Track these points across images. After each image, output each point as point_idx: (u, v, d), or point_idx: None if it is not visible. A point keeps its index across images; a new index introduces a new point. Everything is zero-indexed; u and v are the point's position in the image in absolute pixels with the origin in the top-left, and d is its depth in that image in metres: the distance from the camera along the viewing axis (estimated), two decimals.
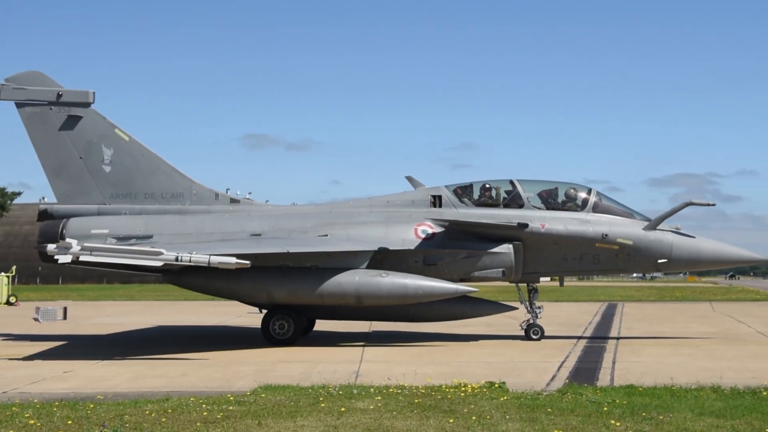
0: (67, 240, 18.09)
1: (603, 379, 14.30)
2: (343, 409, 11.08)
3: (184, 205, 22.10)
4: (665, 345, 20.04)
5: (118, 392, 12.92)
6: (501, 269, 20.42)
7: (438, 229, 20.74)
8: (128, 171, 22.04)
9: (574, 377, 14.41)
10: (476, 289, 20.32)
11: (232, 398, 11.97)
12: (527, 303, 21.43)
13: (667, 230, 20.67)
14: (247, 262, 17.96)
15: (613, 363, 16.58)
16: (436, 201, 21.63)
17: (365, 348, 19.75)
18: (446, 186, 21.91)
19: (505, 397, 11.91)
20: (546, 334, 21.14)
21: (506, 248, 20.30)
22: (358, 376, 14.73)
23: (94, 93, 22.07)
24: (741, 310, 34.74)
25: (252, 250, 18.97)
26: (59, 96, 21.76)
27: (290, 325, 20.55)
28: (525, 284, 21.47)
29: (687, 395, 12.07)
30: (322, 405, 11.40)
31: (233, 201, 22.38)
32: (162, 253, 17.90)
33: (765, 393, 12.11)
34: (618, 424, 10.05)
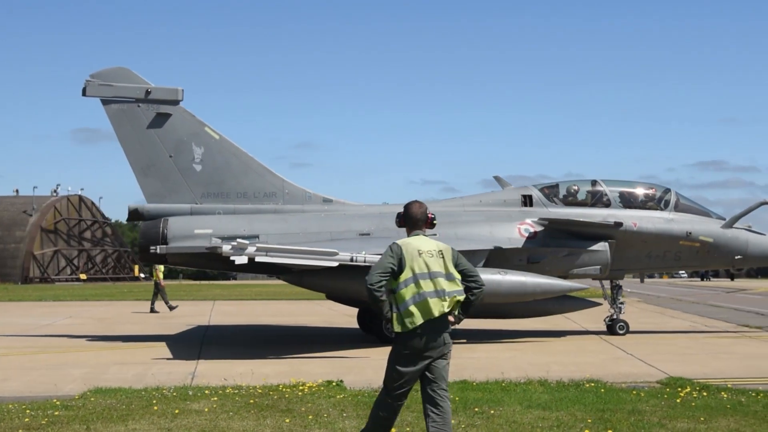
0: (239, 241, 17.48)
1: None
2: (177, 411, 10.80)
3: (277, 204, 21.76)
4: (499, 341, 20.74)
5: None
6: (598, 266, 20.94)
7: (538, 228, 21.05)
8: (219, 170, 21.61)
9: None
10: (587, 287, 21.01)
11: (58, 403, 11.40)
12: (611, 299, 22.06)
13: (741, 228, 21.68)
14: None
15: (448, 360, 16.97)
16: (527, 200, 21.93)
17: (202, 347, 19.39)
18: (534, 186, 22.34)
19: (343, 395, 11.98)
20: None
21: (603, 246, 20.82)
22: (194, 377, 14.41)
23: (182, 90, 21.58)
24: None
25: None
26: (148, 93, 21.25)
27: None
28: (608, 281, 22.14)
29: (516, 389, 12.54)
30: (156, 407, 11.07)
31: (326, 200, 22.13)
32: (337, 254, 17.71)
33: (587, 385, 12.77)
34: (452, 419, 10.28)
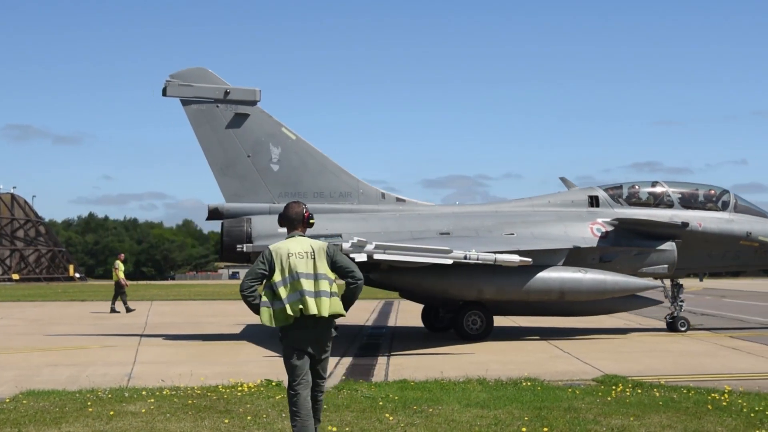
0: (356, 239, 17.62)
1: (378, 375, 14.65)
2: (112, 413, 10.61)
3: (352, 204, 22.13)
4: (437, 340, 20.84)
5: None
6: (666, 265, 21.35)
7: (609, 228, 21.41)
8: (296, 170, 21.93)
9: (350, 374, 14.66)
10: (661, 285, 21.68)
11: None
12: (671, 297, 22.44)
13: None
14: (529, 259, 18.37)
15: (388, 359, 17.04)
16: (593, 201, 22.33)
17: (139, 349, 19.11)
18: (599, 186, 22.80)
19: (282, 396, 11.89)
20: None
21: (670, 246, 21.29)
22: (130, 379, 14.18)
23: (260, 91, 21.83)
24: None
25: (509, 248, 19.09)
26: (227, 93, 21.55)
27: (482, 320, 20.42)
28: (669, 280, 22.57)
29: (455, 388, 12.63)
30: (90, 410, 10.87)
31: (399, 200, 22.36)
32: (451, 252, 17.98)
33: (525, 384, 12.93)
34: (391, 417, 10.33)
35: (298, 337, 8.28)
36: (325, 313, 8.26)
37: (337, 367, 15.75)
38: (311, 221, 8.71)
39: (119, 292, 34.44)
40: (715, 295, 45.00)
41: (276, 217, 20.80)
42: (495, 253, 18.36)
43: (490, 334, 20.63)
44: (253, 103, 21.78)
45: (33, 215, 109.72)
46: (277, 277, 8.27)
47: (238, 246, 20.54)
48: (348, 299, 8.48)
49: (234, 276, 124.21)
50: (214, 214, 21.71)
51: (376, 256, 17.64)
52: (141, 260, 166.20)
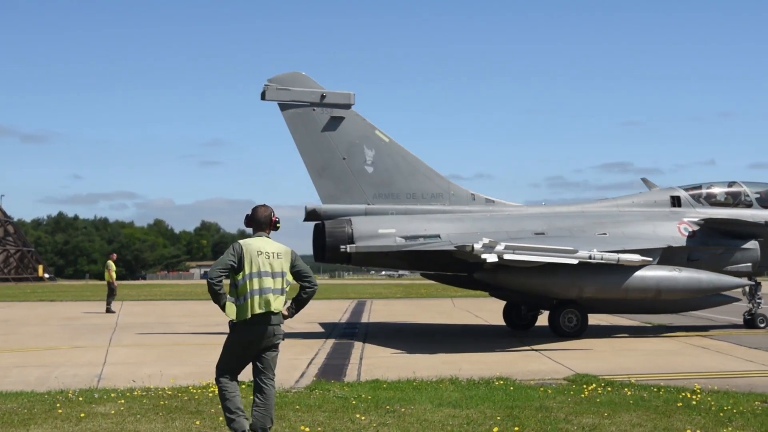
0: (487, 240, 17.94)
1: (350, 375, 14.61)
2: (82, 415, 10.49)
3: (444, 205, 22.45)
4: (410, 340, 20.87)
5: None
6: (749, 264, 21.93)
7: (695, 227, 21.84)
8: (389, 172, 22.31)
9: (322, 374, 14.62)
10: (752, 282, 22.33)
11: None
12: (749, 295, 22.91)
13: None
14: (650, 258, 19.11)
15: (361, 359, 17.02)
16: (675, 201, 22.77)
17: (110, 349, 18.93)
18: (680, 187, 23.26)
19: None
20: (297, 331, 21.30)
21: (754, 244, 21.87)
22: (100, 380, 14.04)
23: (354, 95, 22.24)
24: (478, 306, 36.97)
25: (606, 247, 19.44)
26: (323, 97, 21.97)
27: (578, 318, 20.74)
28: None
29: (428, 387, 12.64)
30: (60, 411, 10.74)
31: (488, 201, 22.67)
32: (577, 252, 18.57)
33: (497, 383, 12.97)
34: (363, 417, 10.31)
35: (250, 331, 8.65)
36: (276, 309, 8.72)
37: (309, 367, 15.70)
38: (278, 225, 9.09)
39: (111, 292, 34.25)
40: None
41: (373, 218, 21.70)
42: (617, 252, 19.09)
43: (585, 331, 21.09)
44: (348, 106, 22.26)
45: (1, 215, 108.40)
46: (245, 271, 8.63)
47: (342, 247, 20.99)
48: (302, 302, 8.98)
49: (205, 276, 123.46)
50: (311, 215, 22.06)
51: (506, 256, 18.10)
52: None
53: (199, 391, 12.31)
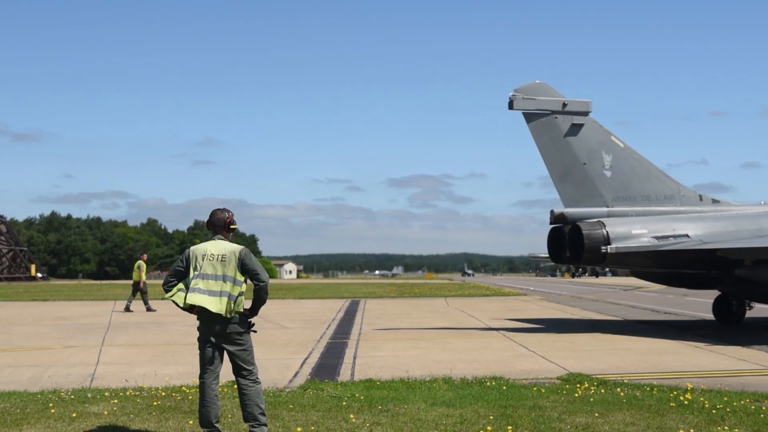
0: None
1: (344, 374, 14.61)
2: (75, 415, 10.47)
3: (675, 206, 23.42)
4: (403, 339, 20.90)
5: None
6: None
7: None
8: (626, 175, 23.34)
9: (316, 373, 14.62)
10: None
11: None
12: None
13: None
14: None
15: (354, 358, 17.02)
16: None
17: (102, 349, 18.90)
18: None
19: None
20: (291, 330, 21.27)
21: None
22: (93, 379, 14.01)
23: (591, 102, 23.29)
24: (472, 305, 37.08)
25: None
26: (564, 105, 23.09)
27: None
28: None
29: (421, 387, 12.65)
30: (52, 411, 10.72)
31: (714, 201, 23.78)
32: None
33: (490, 382, 12.99)
34: (356, 417, 10.32)
35: (204, 329, 9.04)
36: (221, 312, 8.88)
37: (303, 367, 15.71)
38: (232, 226, 9.33)
39: (137, 291, 34.34)
40: (677, 293, 45.57)
41: (624, 220, 22.71)
42: None
43: None
44: (586, 113, 23.30)
45: None
46: (191, 273, 9.03)
47: (602, 248, 22.02)
48: (256, 299, 9.09)
49: None
50: (559, 218, 23.07)
51: None
52: (105, 260, 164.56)
53: (192, 390, 12.30)
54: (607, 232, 22.29)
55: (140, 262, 35.01)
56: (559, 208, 23.21)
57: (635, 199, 23.36)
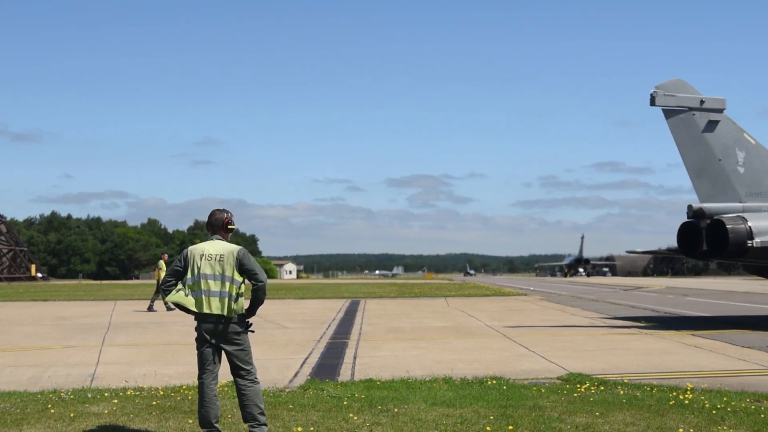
0: None
1: (344, 374, 14.61)
2: (74, 415, 10.48)
3: None
4: (403, 339, 20.90)
5: None
6: None
7: None
8: (758, 172, 24.10)
9: (316, 373, 14.62)
10: None
11: None
12: None
13: None
14: None
15: (355, 358, 17.02)
16: None
17: (102, 349, 18.90)
18: None
19: None
20: (292, 330, 21.26)
21: None
22: (93, 379, 14.01)
23: (726, 99, 23.99)
24: (472, 305, 37.06)
25: None
26: (702, 102, 23.73)
27: None
28: None
29: (421, 387, 12.65)
30: (52, 411, 10.72)
31: None
32: None
33: (490, 382, 12.99)
34: (357, 417, 10.32)
35: (202, 329, 9.05)
36: (221, 312, 8.91)
37: (303, 367, 15.71)
38: (230, 227, 9.34)
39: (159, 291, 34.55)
40: (677, 293, 45.56)
41: (755, 214, 23.21)
42: None
43: None
44: (722, 110, 23.99)
45: None
46: (188, 275, 9.04)
47: (748, 242, 22.50)
48: (254, 299, 9.12)
49: None
50: (698, 213, 23.61)
51: None
52: (105, 260, 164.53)
53: (192, 390, 12.30)
54: (750, 226, 22.75)
55: (161, 261, 35.36)
56: (696, 204, 23.76)
57: (766, 194, 24.10)
